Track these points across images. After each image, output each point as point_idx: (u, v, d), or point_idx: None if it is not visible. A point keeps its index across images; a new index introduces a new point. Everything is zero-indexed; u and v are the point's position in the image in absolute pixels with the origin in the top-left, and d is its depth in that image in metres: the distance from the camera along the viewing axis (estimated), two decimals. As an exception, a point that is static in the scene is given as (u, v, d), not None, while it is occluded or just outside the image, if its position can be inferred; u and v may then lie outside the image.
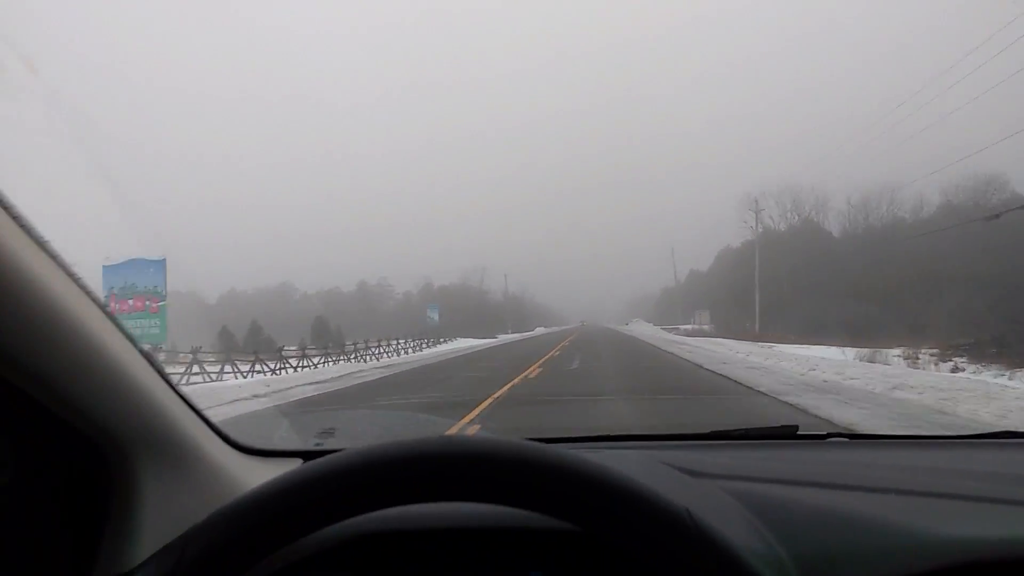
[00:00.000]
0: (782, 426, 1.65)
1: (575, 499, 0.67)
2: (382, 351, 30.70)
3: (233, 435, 1.17)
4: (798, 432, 1.64)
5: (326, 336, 35.85)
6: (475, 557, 0.93)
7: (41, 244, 0.77)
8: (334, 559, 0.89)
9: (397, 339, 34.60)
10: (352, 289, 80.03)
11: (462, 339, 44.99)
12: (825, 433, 1.72)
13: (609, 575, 0.88)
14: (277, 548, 0.68)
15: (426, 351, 32.95)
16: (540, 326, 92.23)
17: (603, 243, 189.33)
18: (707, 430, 1.65)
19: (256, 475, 1.05)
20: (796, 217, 58.54)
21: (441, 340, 42.49)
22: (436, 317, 55.54)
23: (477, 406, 9.57)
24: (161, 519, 0.92)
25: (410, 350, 32.97)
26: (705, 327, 57.56)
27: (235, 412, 8.68)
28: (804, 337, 31.47)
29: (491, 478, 0.67)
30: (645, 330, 56.80)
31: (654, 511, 0.67)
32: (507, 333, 63.46)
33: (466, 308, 74.39)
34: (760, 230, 50.21)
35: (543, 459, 0.68)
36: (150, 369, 0.94)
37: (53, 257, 0.79)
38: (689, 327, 59.59)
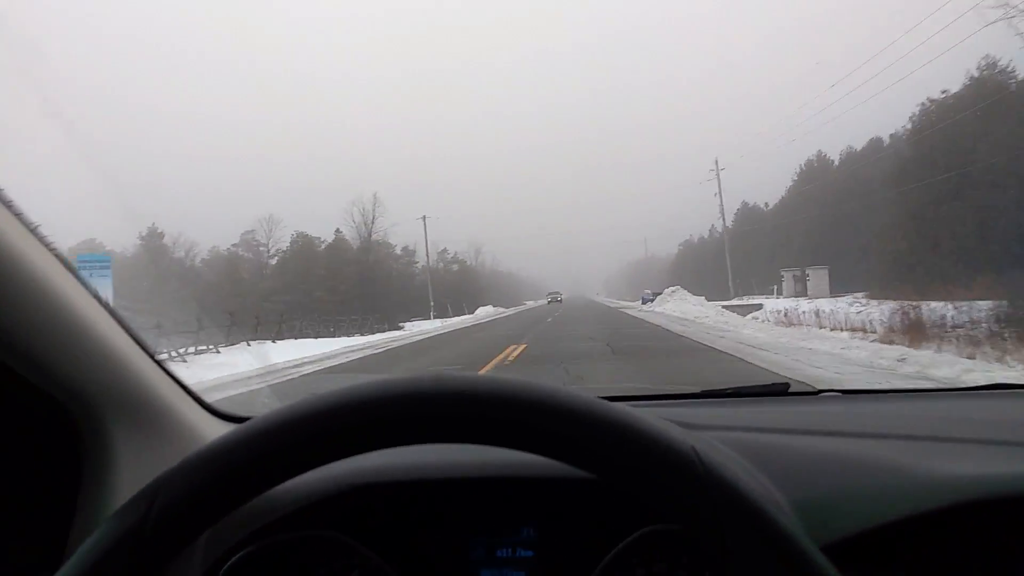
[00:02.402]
0: (773, 384, 1.78)
1: (577, 436, 0.67)
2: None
3: (216, 405, 1.23)
4: (789, 390, 1.76)
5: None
6: (465, 512, 0.99)
7: (5, 203, 0.79)
8: (317, 514, 0.94)
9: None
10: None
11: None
12: (817, 390, 1.84)
13: (606, 523, 0.93)
14: (253, 495, 0.68)
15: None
16: (487, 305, 68.83)
17: (585, 217, 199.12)
18: (698, 389, 1.77)
19: None
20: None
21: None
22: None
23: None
24: (135, 480, 0.94)
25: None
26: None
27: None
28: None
29: (487, 416, 0.66)
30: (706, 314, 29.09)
31: (663, 448, 0.67)
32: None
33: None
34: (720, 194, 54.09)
35: (541, 395, 0.67)
36: (117, 327, 0.97)
37: (7, 206, 0.80)
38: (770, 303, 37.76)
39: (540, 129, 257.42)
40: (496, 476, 0.96)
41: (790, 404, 1.70)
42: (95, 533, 0.66)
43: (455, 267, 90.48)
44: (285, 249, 60.10)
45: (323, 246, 61.50)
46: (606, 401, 0.69)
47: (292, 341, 26.46)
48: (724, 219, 58.09)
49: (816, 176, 61.14)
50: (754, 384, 1.77)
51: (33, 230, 0.83)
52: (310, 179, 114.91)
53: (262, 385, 10.29)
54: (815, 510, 0.89)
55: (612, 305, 57.51)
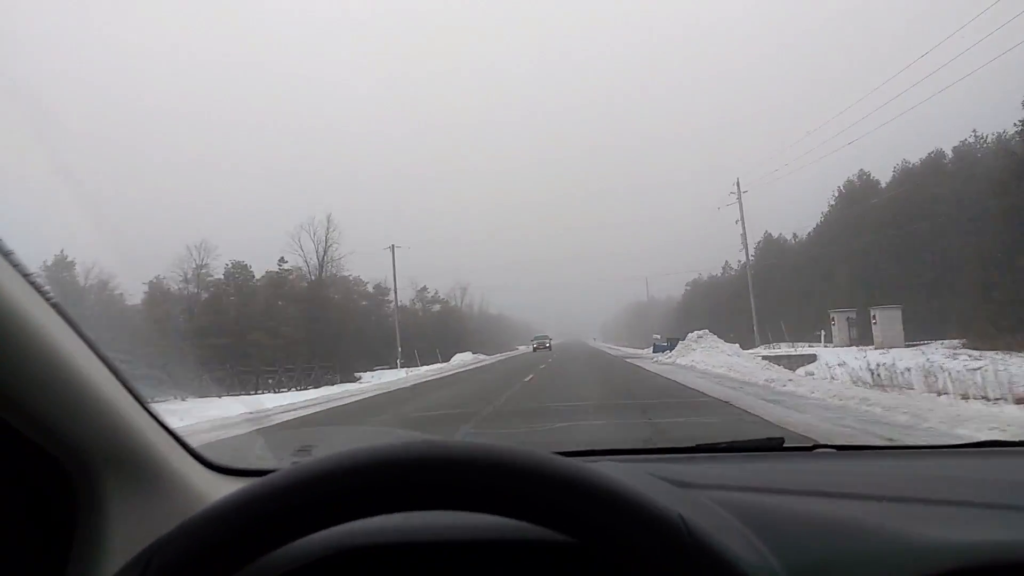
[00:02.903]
0: (768, 439, 1.81)
1: (561, 504, 0.68)
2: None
3: (206, 455, 1.27)
4: (784, 444, 1.80)
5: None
6: (454, 573, 1.01)
7: (4, 254, 0.81)
8: (318, 574, 0.95)
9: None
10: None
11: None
12: (811, 445, 1.88)
13: None
14: (247, 561, 0.70)
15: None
16: (466, 352, 60.52)
17: (581, 257, 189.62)
18: (693, 443, 1.80)
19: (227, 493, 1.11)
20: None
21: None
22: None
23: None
24: (129, 539, 0.97)
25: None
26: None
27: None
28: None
29: (474, 483, 0.68)
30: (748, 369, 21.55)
31: (646, 517, 0.69)
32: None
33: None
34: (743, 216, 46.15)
35: (527, 463, 0.69)
36: (117, 383, 1.01)
37: (15, 266, 0.82)
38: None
39: (533, 162, 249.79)
40: (484, 539, 0.96)
41: (785, 461, 1.75)
42: None
43: (436, 307, 79.59)
44: (218, 281, 49.54)
45: (262, 279, 50.95)
46: (593, 468, 0.71)
47: (195, 402, 21.46)
48: (748, 250, 49.91)
49: (860, 198, 51.22)
50: (748, 439, 1.81)
51: (31, 280, 0.84)
52: (257, 198, 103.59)
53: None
54: (808, 575, 0.90)
55: (615, 353, 49.41)
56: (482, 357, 56.23)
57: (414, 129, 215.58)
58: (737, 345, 30.84)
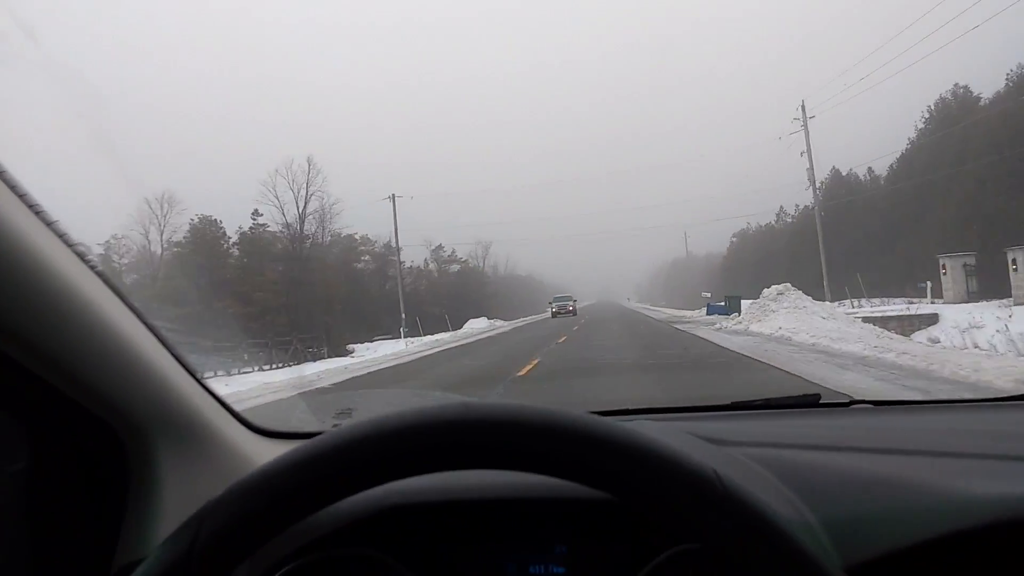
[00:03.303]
0: (803, 395, 1.82)
1: (598, 463, 0.72)
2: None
3: (251, 419, 1.33)
4: (820, 401, 1.79)
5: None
6: (499, 530, 1.06)
7: (48, 224, 0.85)
8: (357, 533, 1.01)
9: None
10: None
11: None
12: (848, 401, 1.84)
13: (637, 541, 0.99)
14: (295, 521, 0.74)
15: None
16: (482, 317, 53.66)
17: (614, 212, 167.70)
18: (727, 401, 1.81)
19: (273, 456, 1.22)
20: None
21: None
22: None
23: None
24: (179, 501, 1.03)
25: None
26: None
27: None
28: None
29: (511, 443, 0.72)
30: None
31: (681, 472, 0.71)
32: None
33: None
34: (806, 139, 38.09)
35: (564, 422, 0.72)
36: (163, 349, 1.06)
37: (60, 236, 0.87)
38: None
39: (562, 102, 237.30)
40: (527, 497, 1.01)
41: (821, 417, 1.75)
42: (144, 563, 0.72)
43: (454, 268, 71.63)
44: (181, 241, 42.30)
45: (236, 237, 43.58)
46: (627, 426, 0.74)
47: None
48: (815, 187, 41.15)
49: (958, 117, 41.59)
50: (783, 396, 1.82)
51: (80, 253, 0.89)
52: (234, 142, 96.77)
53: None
54: (845, 529, 0.92)
55: (657, 317, 41.06)
56: (500, 323, 49.05)
57: (429, 69, 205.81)
58: (831, 304, 24.95)
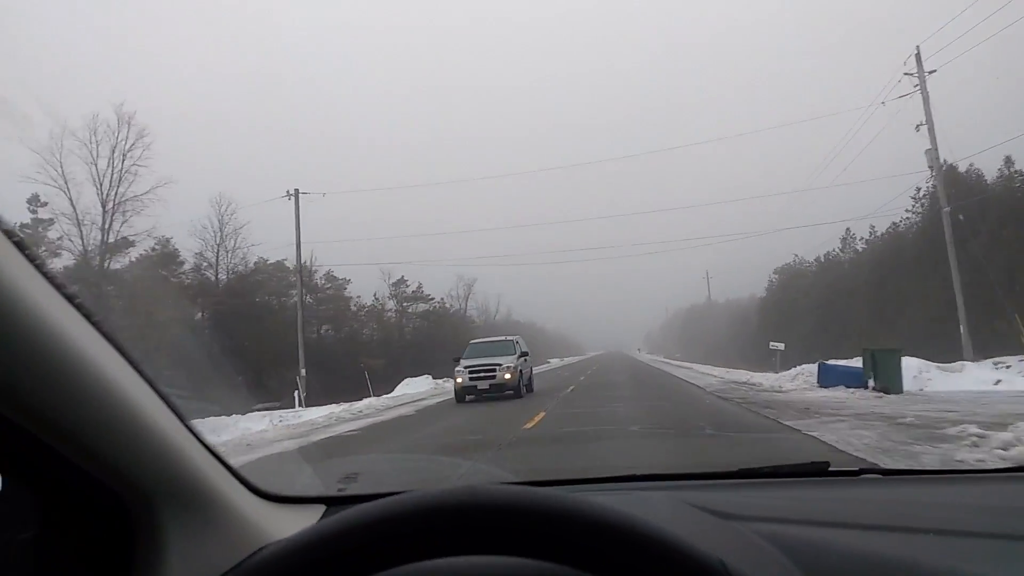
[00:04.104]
0: (812, 463, 1.84)
1: (601, 552, 0.72)
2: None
3: (255, 481, 1.36)
4: (829, 469, 1.84)
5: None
6: None
7: (57, 286, 0.88)
8: None
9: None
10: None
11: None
12: (858, 469, 1.90)
13: None
14: None
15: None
16: (423, 375, 36.30)
17: (621, 262, 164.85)
18: (734, 468, 1.85)
19: (280, 523, 1.28)
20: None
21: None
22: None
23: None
24: (186, 569, 1.06)
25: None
26: None
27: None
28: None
29: (513, 530, 0.74)
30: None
31: (687, 565, 0.71)
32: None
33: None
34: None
35: (566, 510, 0.74)
36: (171, 415, 1.09)
37: (68, 298, 0.90)
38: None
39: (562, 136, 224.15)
40: None
41: (831, 487, 1.78)
42: None
43: (420, 307, 57.41)
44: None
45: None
46: (631, 513, 0.75)
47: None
48: (940, 167, 27.03)
49: None
50: (792, 463, 1.85)
51: (88, 315, 0.92)
52: None
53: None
54: None
55: (706, 385, 25.21)
56: (448, 385, 28.69)
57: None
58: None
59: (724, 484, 1.71)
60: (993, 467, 2.21)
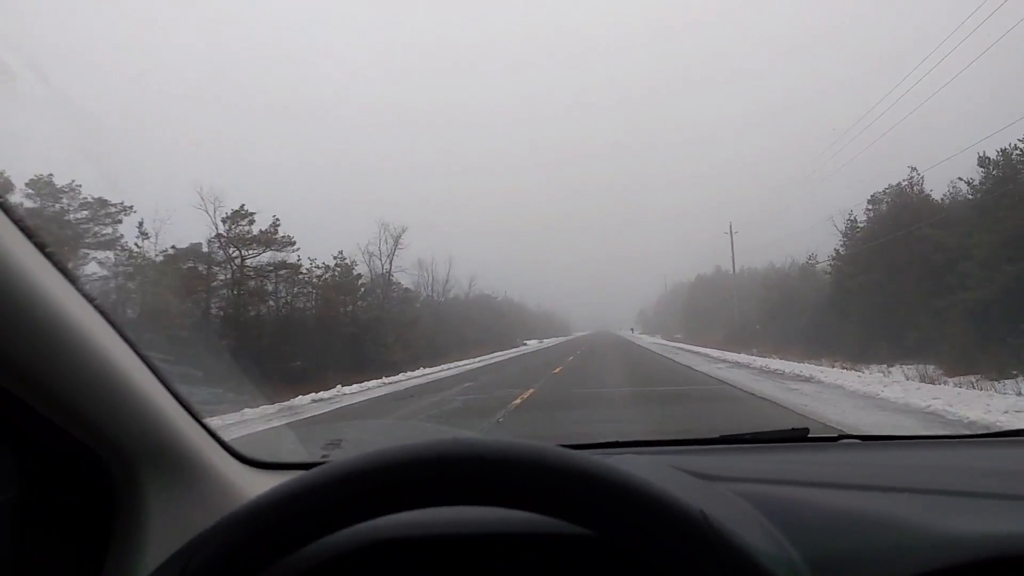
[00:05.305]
0: (793, 429, 1.92)
1: (587, 502, 0.76)
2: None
3: (239, 448, 1.42)
4: (809, 435, 1.92)
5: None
6: (485, 565, 1.11)
7: (43, 250, 0.91)
8: (346, 566, 1.06)
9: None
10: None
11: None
12: (836, 435, 2.00)
13: None
14: (284, 555, 0.78)
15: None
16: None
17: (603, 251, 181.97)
18: (717, 434, 1.93)
19: (262, 488, 1.29)
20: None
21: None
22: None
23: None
24: (167, 532, 1.08)
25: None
26: None
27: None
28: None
29: (500, 480, 0.76)
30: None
31: (669, 513, 0.75)
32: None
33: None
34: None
35: (554, 461, 0.76)
36: (155, 380, 1.13)
37: (55, 263, 0.93)
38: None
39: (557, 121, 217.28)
40: (509, 532, 1.07)
41: (809, 451, 1.83)
42: None
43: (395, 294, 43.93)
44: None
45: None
46: (616, 465, 0.78)
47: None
48: None
49: None
50: (774, 429, 1.91)
51: (74, 280, 0.95)
52: None
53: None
54: (828, 566, 0.99)
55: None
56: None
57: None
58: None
59: (707, 449, 1.77)
60: (968, 432, 2.16)
